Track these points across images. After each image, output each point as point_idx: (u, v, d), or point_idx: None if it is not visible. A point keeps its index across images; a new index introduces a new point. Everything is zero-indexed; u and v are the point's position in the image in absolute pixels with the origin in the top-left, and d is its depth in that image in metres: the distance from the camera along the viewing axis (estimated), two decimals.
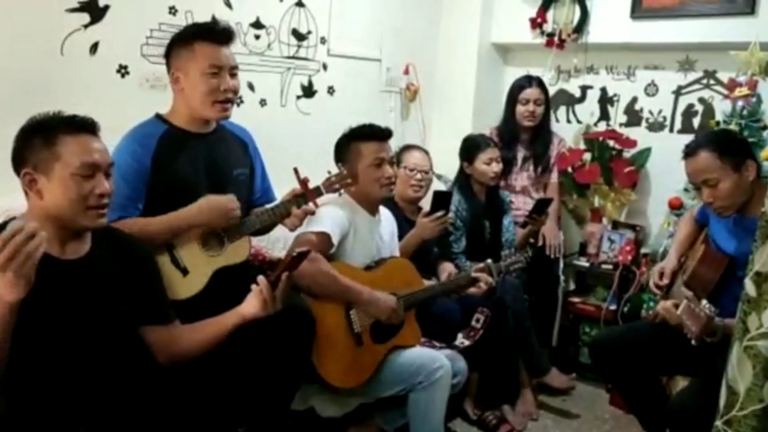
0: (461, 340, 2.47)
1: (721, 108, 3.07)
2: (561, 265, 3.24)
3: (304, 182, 2.03)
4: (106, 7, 2.27)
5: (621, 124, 3.53)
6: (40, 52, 2.14)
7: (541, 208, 2.96)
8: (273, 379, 1.94)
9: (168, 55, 1.96)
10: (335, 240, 2.17)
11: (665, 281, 2.32)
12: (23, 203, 1.50)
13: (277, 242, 2.45)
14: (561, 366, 3.01)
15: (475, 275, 2.44)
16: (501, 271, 2.51)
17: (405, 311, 2.27)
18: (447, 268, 2.75)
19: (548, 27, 3.50)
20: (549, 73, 3.60)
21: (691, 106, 3.34)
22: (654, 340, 2.21)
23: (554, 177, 3.38)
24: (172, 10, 2.46)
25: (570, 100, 3.70)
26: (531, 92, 3.26)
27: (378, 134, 2.30)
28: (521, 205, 3.31)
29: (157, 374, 1.63)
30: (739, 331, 1.39)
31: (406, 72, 3.52)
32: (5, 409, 1.37)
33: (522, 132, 3.33)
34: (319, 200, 2.07)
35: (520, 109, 3.27)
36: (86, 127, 1.48)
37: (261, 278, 1.63)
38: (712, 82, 3.27)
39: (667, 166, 3.26)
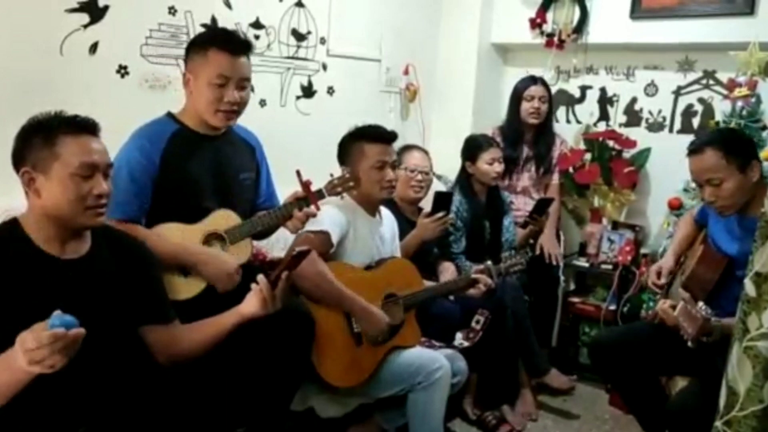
0: (460, 341, 2.47)
1: (721, 108, 3.08)
2: (561, 265, 3.24)
3: (306, 185, 2.03)
4: (106, 7, 2.27)
5: (621, 125, 3.53)
6: (40, 52, 2.14)
7: (541, 208, 2.96)
8: (272, 380, 1.94)
9: (186, 55, 1.97)
10: (335, 239, 2.17)
11: (663, 281, 2.32)
12: (23, 203, 1.50)
13: (277, 242, 2.45)
14: (561, 366, 3.01)
15: (474, 277, 2.45)
16: (501, 273, 2.51)
17: (405, 312, 2.28)
18: (448, 268, 2.75)
19: (548, 27, 3.51)
20: (548, 74, 3.59)
21: (690, 106, 3.34)
22: (653, 341, 2.21)
23: (555, 178, 3.39)
24: (172, 10, 2.46)
25: (570, 101, 3.70)
26: (536, 89, 3.27)
27: (384, 136, 2.30)
28: (522, 205, 3.31)
29: (157, 374, 1.63)
30: (739, 331, 1.39)
31: (406, 72, 3.52)
32: (5, 409, 1.36)
33: (526, 131, 3.33)
34: (320, 203, 2.07)
35: (525, 106, 3.27)
36: (86, 127, 1.48)
37: (261, 277, 1.63)
38: (711, 82, 3.27)
39: (667, 167, 3.27)
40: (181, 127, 1.96)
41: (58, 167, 1.42)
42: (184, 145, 1.94)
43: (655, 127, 3.45)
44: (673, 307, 2.02)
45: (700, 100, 3.31)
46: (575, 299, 3.35)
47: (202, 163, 1.96)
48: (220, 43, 1.91)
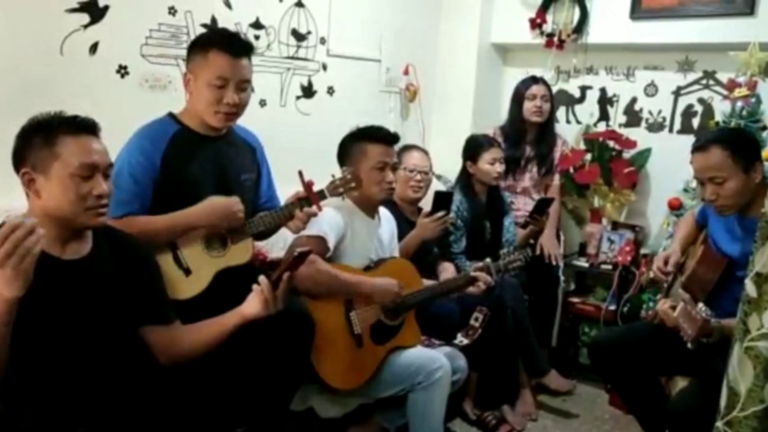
0: (460, 338, 2.47)
1: (721, 108, 3.07)
2: (561, 265, 3.24)
3: (308, 185, 2.02)
4: (106, 8, 2.27)
5: (620, 125, 3.53)
6: (40, 52, 2.14)
7: (541, 208, 2.96)
8: (272, 380, 1.94)
9: (187, 55, 1.97)
10: (331, 243, 2.17)
11: (670, 268, 2.28)
12: (23, 203, 1.50)
13: (278, 243, 2.45)
14: (561, 366, 3.02)
15: (474, 275, 2.44)
16: (500, 270, 2.51)
17: (405, 312, 2.28)
18: (448, 268, 2.75)
19: (548, 27, 3.51)
20: (548, 74, 3.59)
21: (690, 106, 3.34)
22: (653, 341, 2.21)
23: (556, 179, 3.39)
24: (172, 11, 2.46)
25: (569, 101, 3.70)
26: (538, 88, 3.28)
27: (386, 138, 2.30)
28: (522, 206, 3.31)
29: (158, 374, 1.63)
30: (739, 331, 1.39)
31: (406, 72, 3.52)
32: (5, 409, 1.36)
33: (529, 130, 3.34)
34: (322, 203, 2.07)
35: (527, 105, 3.28)
36: (86, 127, 1.48)
37: (262, 278, 1.63)
38: (711, 82, 3.27)
39: (667, 167, 3.28)
40: (182, 128, 1.96)
41: (58, 167, 1.42)
42: (185, 146, 1.94)
43: (655, 127, 3.45)
44: (673, 308, 2.02)
45: (700, 101, 3.31)
46: (575, 299, 3.35)
47: (203, 164, 1.96)
48: (221, 44, 1.91)
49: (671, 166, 3.21)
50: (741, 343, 1.37)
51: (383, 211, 2.47)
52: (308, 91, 3.07)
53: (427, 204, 2.73)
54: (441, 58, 3.75)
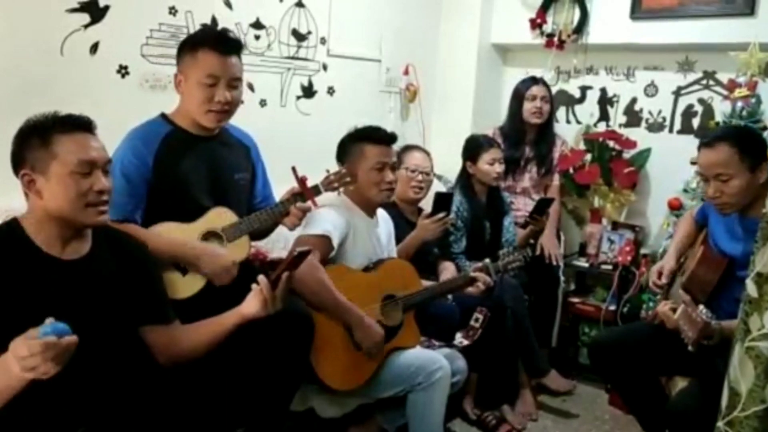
0: (460, 339, 2.47)
1: (721, 109, 3.07)
2: (561, 265, 3.24)
3: (302, 181, 2.03)
4: (106, 8, 2.27)
5: (621, 125, 3.53)
6: (40, 52, 2.14)
7: (541, 208, 2.96)
8: (272, 380, 1.94)
9: (177, 56, 1.97)
10: (335, 242, 2.16)
11: (664, 281, 2.31)
12: (23, 203, 1.49)
13: (277, 242, 2.45)
14: (560, 366, 3.01)
15: (473, 275, 2.44)
16: (499, 270, 2.51)
17: (404, 312, 2.27)
18: (448, 268, 2.75)
19: (548, 27, 3.51)
20: (549, 74, 3.60)
21: (690, 106, 3.34)
22: (653, 341, 2.21)
23: (556, 179, 3.39)
24: (172, 11, 2.46)
25: (570, 101, 3.70)
26: (538, 89, 3.28)
27: (384, 138, 2.29)
28: (522, 206, 3.31)
29: (157, 374, 1.62)
30: (740, 332, 1.39)
31: (406, 72, 3.52)
32: (4, 410, 1.36)
33: (528, 131, 3.34)
34: (317, 199, 2.07)
35: (527, 106, 3.28)
36: (82, 125, 1.48)
37: (261, 278, 1.63)
38: (711, 82, 3.27)
39: (667, 167, 3.28)
40: (174, 129, 1.96)
41: (56, 166, 1.42)
42: (177, 146, 1.93)
43: (655, 127, 3.45)
44: (674, 309, 2.02)
45: (700, 101, 3.31)
46: (575, 299, 3.35)
47: (196, 164, 1.96)
48: (210, 43, 1.91)
49: (671, 166, 3.22)
50: (742, 343, 1.38)
51: (380, 211, 2.47)
52: (308, 91, 3.07)
53: (427, 205, 2.73)
54: (441, 58, 3.75)
